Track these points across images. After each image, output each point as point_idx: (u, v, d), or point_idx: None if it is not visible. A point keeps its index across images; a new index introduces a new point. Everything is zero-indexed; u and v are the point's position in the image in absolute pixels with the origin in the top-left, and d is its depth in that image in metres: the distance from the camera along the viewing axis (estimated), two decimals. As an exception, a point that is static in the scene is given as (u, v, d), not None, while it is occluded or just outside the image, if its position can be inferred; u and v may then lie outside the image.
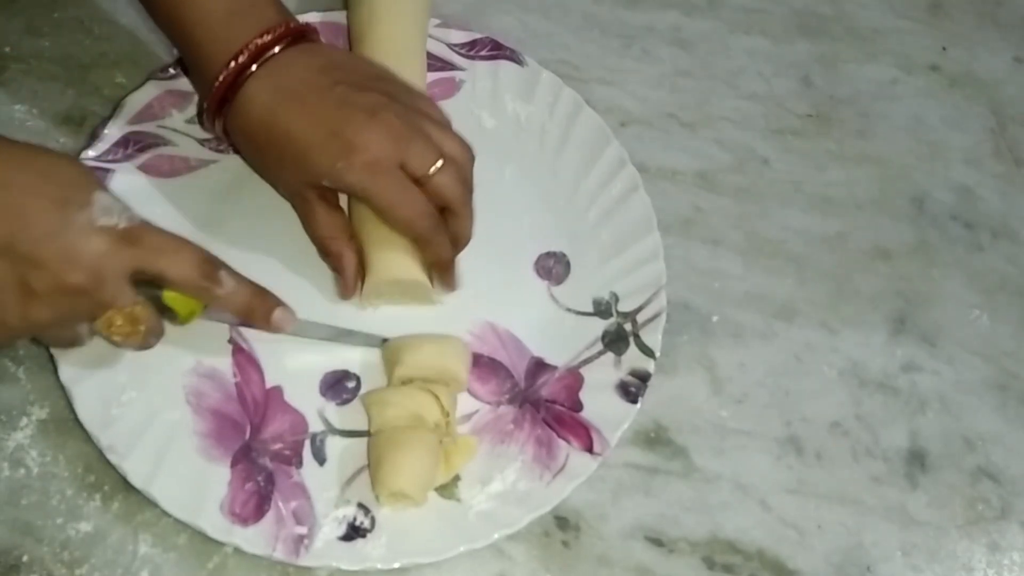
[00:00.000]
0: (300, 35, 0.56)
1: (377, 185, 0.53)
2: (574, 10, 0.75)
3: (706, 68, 0.75)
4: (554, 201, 0.64)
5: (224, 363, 0.56)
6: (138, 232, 0.48)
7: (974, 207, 0.72)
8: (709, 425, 0.60)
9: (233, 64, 0.54)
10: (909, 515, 0.60)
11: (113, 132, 0.61)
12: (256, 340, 0.57)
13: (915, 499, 0.60)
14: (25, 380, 0.55)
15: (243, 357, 0.56)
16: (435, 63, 0.67)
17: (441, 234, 0.56)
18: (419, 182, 0.54)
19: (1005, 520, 0.61)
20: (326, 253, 0.57)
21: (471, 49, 0.68)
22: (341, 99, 0.54)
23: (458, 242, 0.57)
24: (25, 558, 0.51)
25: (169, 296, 0.51)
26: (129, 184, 0.59)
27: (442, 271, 0.58)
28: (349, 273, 0.57)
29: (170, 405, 0.54)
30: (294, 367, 0.57)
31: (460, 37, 0.69)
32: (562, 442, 0.56)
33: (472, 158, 0.57)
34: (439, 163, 0.54)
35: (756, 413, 0.61)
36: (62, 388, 0.54)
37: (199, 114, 0.58)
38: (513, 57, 0.68)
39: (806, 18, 0.79)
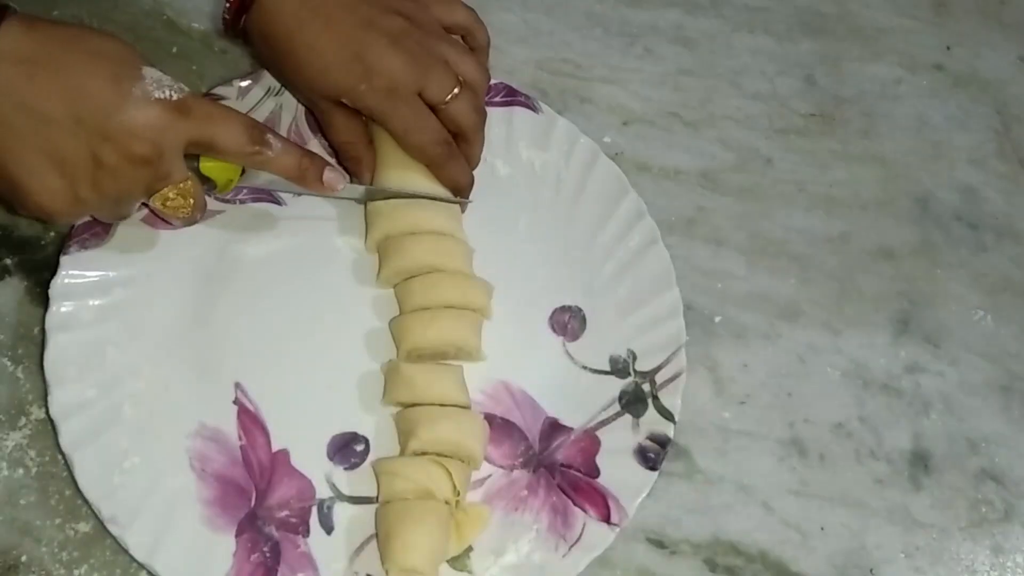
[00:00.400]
0: None
1: (395, 110, 0.56)
2: (576, 8, 0.75)
3: (709, 67, 0.74)
4: (569, 252, 0.62)
5: (229, 424, 0.55)
6: (189, 103, 0.50)
7: (978, 207, 0.72)
8: (712, 426, 0.60)
9: None
10: (912, 517, 0.60)
11: None
12: (262, 400, 0.55)
13: (918, 501, 0.60)
14: (24, 380, 0.55)
15: (248, 418, 0.55)
16: None
17: (456, 159, 0.58)
18: (435, 108, 0.57)
19: (1009, 522, 0.60)
20: (345, 157, 0.60)
21: (485, 94, 0.65)
22: (366, 20, 0.55)
23: (469, 165, 0.60)
24: (24, 558, 0.51)
25: (207, 166, 0.53)
26: (134, 236, 0.57)
27: (459, 192, 0.60)
28: (367, 177, 0.60)
29: (173, 471, 0.53)
30: (301, 429, 0.55)
31: None
32: (578, 511, 0.54)
33: (487, 81, 0.60)
34: (456, 90, 0.57)
35: (759, 414, 0.61)
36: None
37: (223, 19, 0.58)
38: (528, 103, 0.66)
39: (809, 17, 0.78)
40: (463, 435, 0.53)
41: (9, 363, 0.56)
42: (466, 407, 0.55)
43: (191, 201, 0.52)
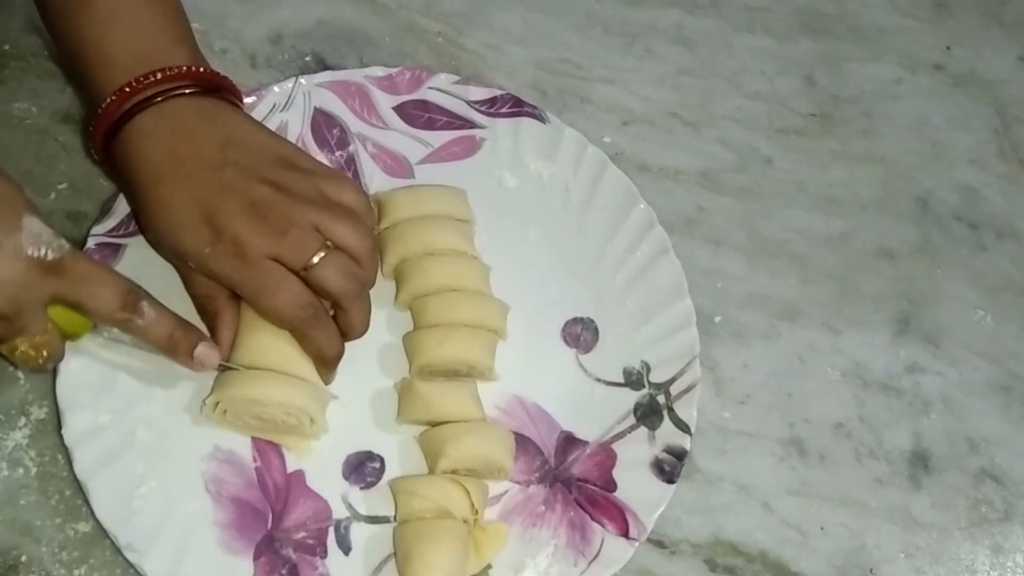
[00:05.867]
0: (211, 86, 0.53)
1: (242, 274, 0.51)
2: (576, 8, 0.75)
3: (709, 67, 0.74)
4: (580, 264, 0.62)
5: (243, 447, 0.54)
6: (66, 262, 0.48)
7: (978, 207, 0.72)
8: (711, 426, 0.60)
9: (118, 93, 0.51)
10: (912, 517, 0.60)
11: (124, 206, 0.58)
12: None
13: (918, 501, 0.60)
14: (24, 380, 0.55)
15: (263, 440, 0.54)
16: (454, 121, 0.65)
17: (321, 327, 0.52)
18: (300, 275, 0.51)
19: (1009, 522, 0.60)
20: (203, 312, 0.54)
21: (491, 106, 0.65)
22: (226, 184, 0.51)
23: (348, 335, 0.54)
24: (24, 558, 0.51)
25: (54, 313, 0.49)
26: (142, 258, 0.56)
27: (321, 365, 0.54)
28: (226, 336, 0.53)
29: (189, 495, 0.52)
30: (316, 449, 0.54)
31: (479, 94, 0.65)
32: (596, 526, 0.54)
33: (371, 249, 0.54)
34: (320, 255, 0.51)
35: (759, 414, 0.61)
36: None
37: (83, 134, 0.55)
38: (535, 114, 0.65)
39: (809, 17, 0.78)
40: (491, 448, 0.53)
41: (10, 363, 0.55)
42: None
43: (44, 354, 0.49)
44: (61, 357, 0.51)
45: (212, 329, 0.54)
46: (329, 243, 0.52)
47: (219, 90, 0.54)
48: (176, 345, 0.51)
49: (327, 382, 0.55)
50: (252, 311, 0.53)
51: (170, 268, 0.56)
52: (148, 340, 0.51)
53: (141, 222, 0.54)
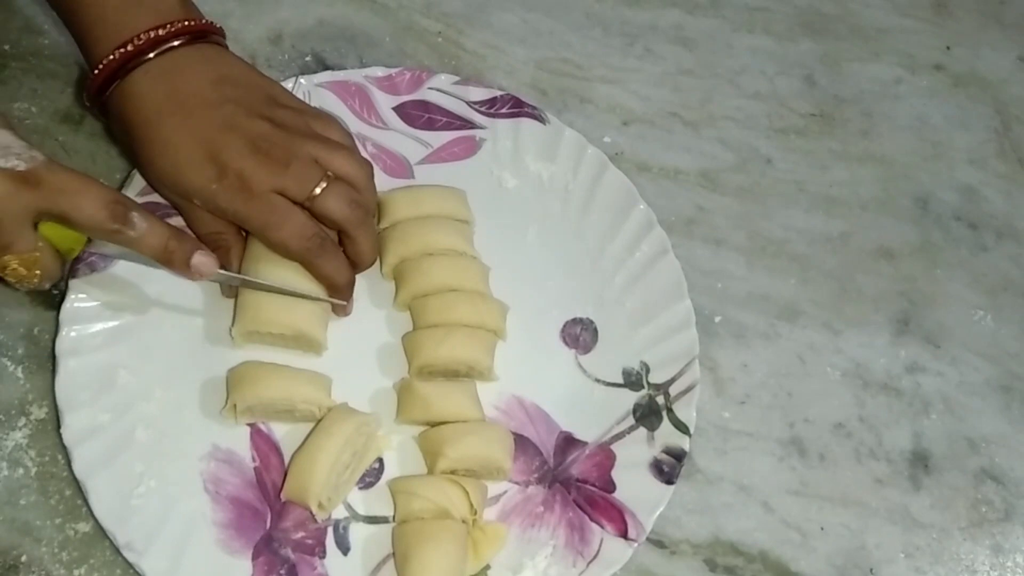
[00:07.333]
0: (201, 34, 0.55)
1: (249, 208, 0.52)
2: (576, 8, 0.75)
3: (709, 67, 0.74)
4: (579, 265, 0.62)
5: (242, 446, 0.54)
6: (40, 173, 0.47)
7: (978, 207, 0.72)
8: (711, 426, 0.60)
9: (120, 52, 0.52)
10: (912, 517, 0.60)
11: None
12: (275, 421, 0.55)
13: (918, 501, 0.60)
14: (24, 380, 0.55)
15: (261, 439, 0.54)
16: (454, 121, 0.65)
17: (328, 255, 0.54)
18: (304, 207, 0.53)
19: (1009, 522, 0.60)
20: (213, 248, 0.54)
21: (491, 107, 0.65)
22: (226, 121, 0.53)
23: (357, 265, 0.56)
24: (24, 558, 0.51)
25: (46, 229, 0.48)
26: (144, 258, 0.55)
27: (334, 294, 0.56)
28: (235, 267, 0.55)
29: (188, 494, 0.52)
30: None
31: (479, 94, 0.66)
32: (595, 526, 0.54)
33: (369, 176, 0.56)
34: (322, 185, 0.53)
35: (759, 414, 0.61)
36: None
37: (78, 91, 0.55)
38: (535, 114, 0.65)
39: (809, 17, 0.78)
40: (490, 448, 0.54)
41: (9, 363, 0.55)
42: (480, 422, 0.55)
43: (36, 272, 0.48)
44: (57, 276, 0.50)
45: (222, 261, 0.54)
46: (329, 174, 0.53)
47: (209, 35, 0.56)
48: (171, 255, 0.51)
49: (346, 313, 0.57)
50: (258, 243, 0.55)
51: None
52: (142, 251, 0.50)
53: (141, 162, 0.54)
